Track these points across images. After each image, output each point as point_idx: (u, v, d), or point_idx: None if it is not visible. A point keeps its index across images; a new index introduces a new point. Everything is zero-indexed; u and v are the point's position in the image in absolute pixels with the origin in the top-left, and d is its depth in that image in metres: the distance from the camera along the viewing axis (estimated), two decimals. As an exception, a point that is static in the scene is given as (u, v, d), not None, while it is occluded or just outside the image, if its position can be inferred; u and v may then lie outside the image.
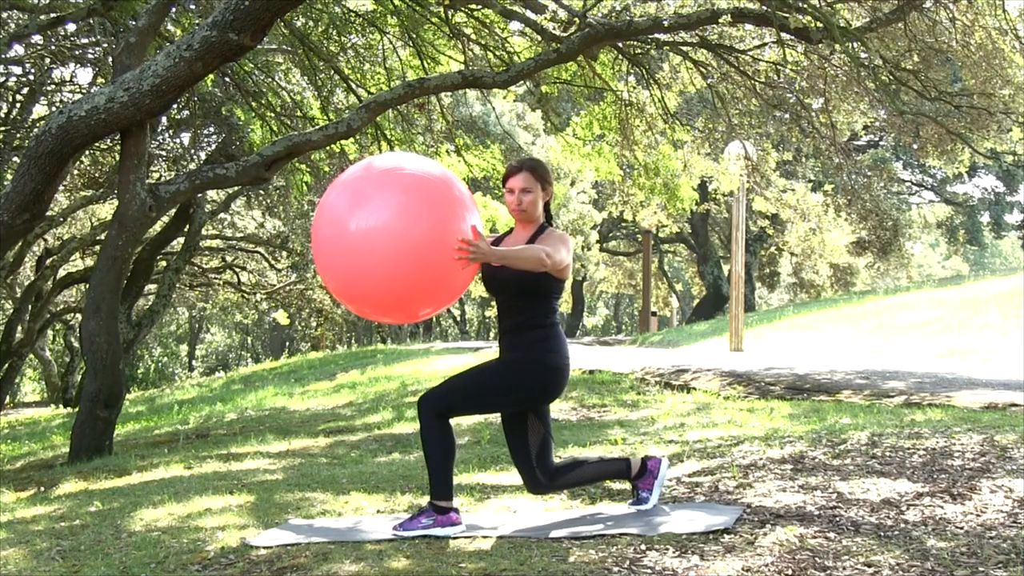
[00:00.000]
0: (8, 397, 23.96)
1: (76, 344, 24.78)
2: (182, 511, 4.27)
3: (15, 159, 13.15)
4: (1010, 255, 57.14)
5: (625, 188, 16.12)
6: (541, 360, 3.64)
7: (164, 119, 13.71)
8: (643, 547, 3.22)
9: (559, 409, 8.05)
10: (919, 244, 47.32)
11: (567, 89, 12.09)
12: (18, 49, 12.32)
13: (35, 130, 12.45)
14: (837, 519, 3.49)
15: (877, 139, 31.10)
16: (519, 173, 3.75)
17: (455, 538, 3.47)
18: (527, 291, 3.66)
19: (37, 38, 12.04)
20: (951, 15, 9.67)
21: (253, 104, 11.58)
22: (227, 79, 11.77)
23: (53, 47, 12.53)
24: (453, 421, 3.65)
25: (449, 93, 14.62)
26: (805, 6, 8.71)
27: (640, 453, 5.23)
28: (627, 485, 4.15)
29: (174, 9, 9.20)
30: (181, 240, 18.10)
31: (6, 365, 19.69)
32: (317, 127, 9.11)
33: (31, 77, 13.88)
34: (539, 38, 10.06)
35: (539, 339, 3.65)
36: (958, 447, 4.53)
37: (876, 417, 5.89)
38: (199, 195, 15.30)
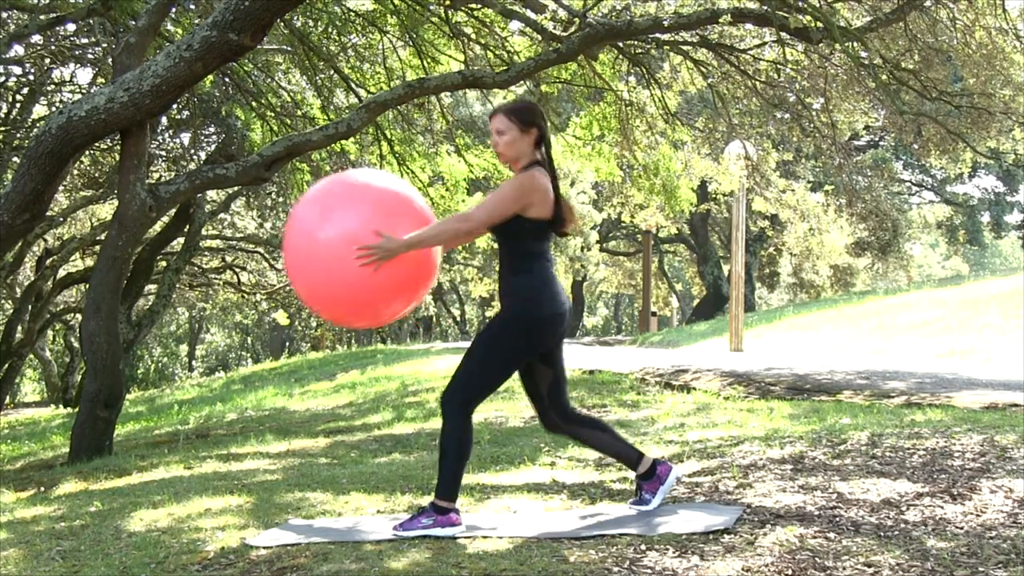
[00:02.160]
0: (8, 397, 23.96)
1: (76, 344, 24.79)
2: (182, 511, 4.27)
3: (15, 159, 13.15)
4: (1010, 255, 57.15)
5: (625, 189, 16.14)
6: (514, 312, 3.61)
7: (164, 119, 13.72)
8: (643, 547, 3.21)
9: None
10: (919, 244, 47.34)
11: (567, 89, 12.09)
12: (18, 49, 12.33)
13: (35, 130, 12.45)
14: (837, 519, 3.49)
15: (877, 139, 31.10)
16: (497, 115, 3.72)
17: (455, 538, 3.46)
18: (500, 236, 3.65)
19: (37, 38, 12.04)
20: (951, 15, 9.67)
21: (253, 104, 11.58)
22: (227, 79, 11.77)
23: (53, 47, 12.54)
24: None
25: (449, 93, 14.62)
26: (805, 6, 8.71)
27: (651, 452, 5.23)
28: (628, 485, 4.15)
29: (174, 9, 9.20)
30: (181, 240, 18.10)
31: (6, 365, 19.69)
32: (317, 127, 9.12)
33: (31, 77, 13.88)
34: (539, 38, 10.06)
35: (513, 290, 3.62)
36: (958, 447, 4.53)
37: (876, 417, 5.89)
38: (199, 195, 15.31)
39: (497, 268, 3.79)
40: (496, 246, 3.81)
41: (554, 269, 3.72)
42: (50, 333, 28.81)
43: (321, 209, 3.62)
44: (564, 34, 9.26)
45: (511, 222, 3.61)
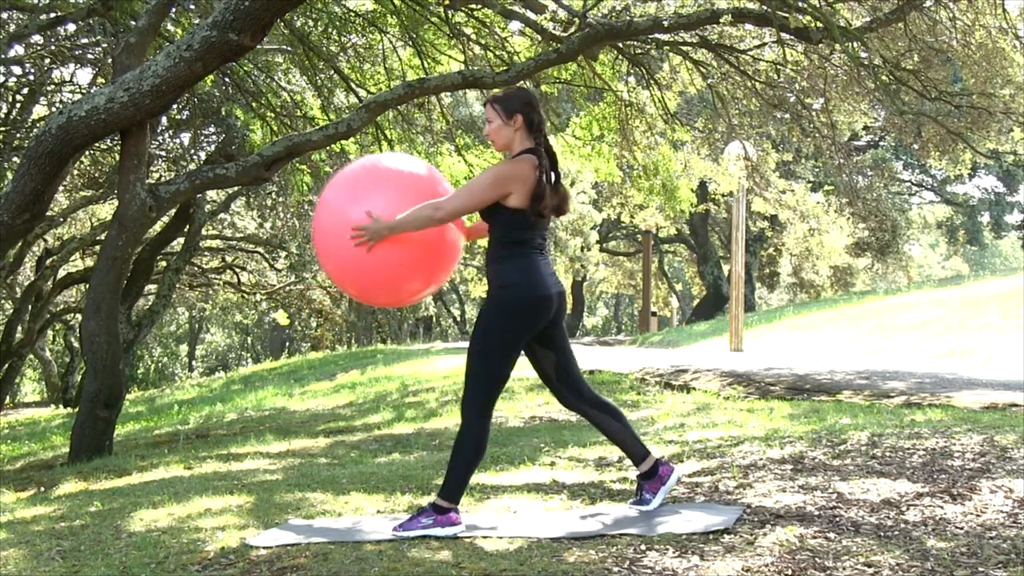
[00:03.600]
0: (8, 397, 23.96)
1: (76, 344, 24.79)
2: (182, 511, 4.27)
3: (15, 159, 13.15)
4: (1010, 255, 57.15)
5: (624, 189, 16.13)
6: (497, 298, 3.64)
7: (164, 119, 13.72)
8: (643, 547, 3.21)
9: (559, 409, 8.05)
10: (919, 245, 47.33)
11: (567, 89, 12.08)
12: (18, 49, 12.32)
13: (35, 130, 12.45)
14: (837, 519, 3.49)
15: (877, 139, 31.10)
16: (485, 105, 3.79)
17: (455, 538, 3.46)
18: (488, 224, 3.71)
19: (37, 38, 12.04)
20: (951, 15, 9.67)
21: (253, 104, 11.58)
22: (227, 79, 11.77)
23: (53, 47, 12.53)
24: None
25: (449, 93, 14.62)
26: (805, 6, 8.71)
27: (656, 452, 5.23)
28: (628, 484, 4.15)
29: (174, 9, 9.20)
30: (181, 240, 18.10)
31: (6, 365, 19.69)
32: (317, 127, 9.11)
33: (31, 77, 13.88)
34: (539, 38, 10.06)
35: (496, 276, 3.67)
36: (958, 447, 4.53)
37: (876, 417, 5.89)
38: (199, 195, 15.31)
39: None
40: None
41: (544, 256, 3.71)
42: (50, 333, 28.81)
43: (345, 192, 3.82)
44: (564, 34, 9.26)
45: (493, 211, 3.64)
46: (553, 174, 3.70)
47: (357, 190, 3.80)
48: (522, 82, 10.61)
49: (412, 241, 3.69)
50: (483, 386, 3.63)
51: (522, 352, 3.76)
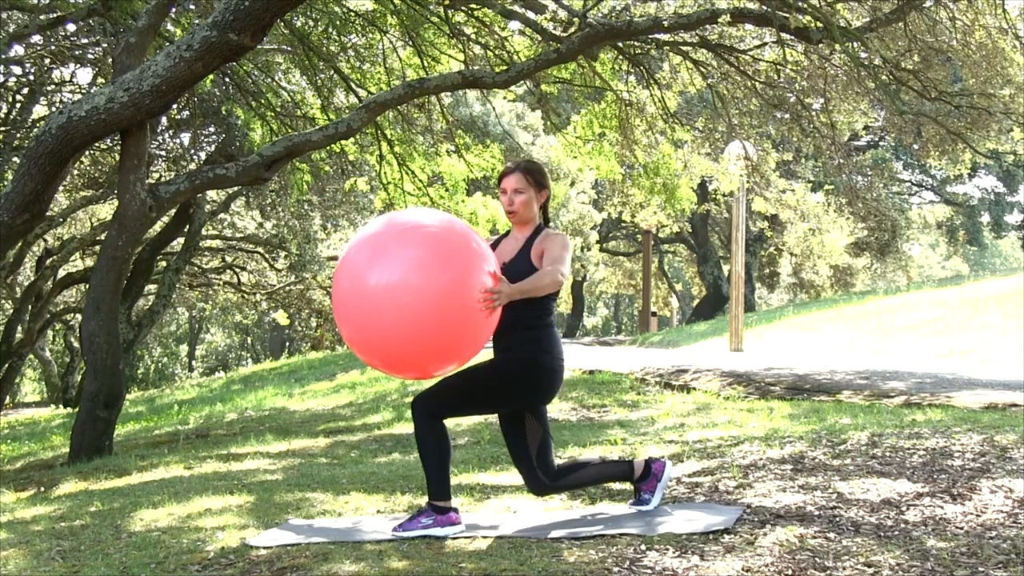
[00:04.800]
0: (8, 397, 23.95)
1: (76, 344, 24.78)
2: (182, 511, 4.27)
3: (15, 159, 13.15)
4: (1010, 255, 57.14)
5: (625, 188, 16.14)
6: (533, 361, 3.64)
7: (164, 119, 13.72)
8: (643, 547, 3.21)
9: (559, 409, 8.05)
10: (919, 245, 47.33)
11: (567, 89, 12.08)
12: (18, 49, 12.32)
13: (35, 130, 12.45)
14: (837, 519, 3.49)
15: (877, 139, 31.09)
16: (512, 174, 3.76)
17: (455, 538, 3.46)
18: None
19: (37, 38, 12.03)
20: (951, 15, 9.67)
21: (253, 104, 11.58)
22: (227, 79, 11.77)
23: (53, 47, 12.53)
24: (452, 422, 3.66)
25: (449, 93, 14.62)
26: (805, 6, 8.71)
27: (642, 455, 5.23)
28: (628, 485, 4.15)
29: (174, 9, 9.20)
30: (181, 240, 18.10)
31: (6, 365, 19.68)
32: (317, 127, 9.11)
33: (31, 77, 13.88)
34: (539, 38, 10.06)
35: (531, 340, 3.65)
36: (958, 447, 4.53)
37: (876, 417, 5.89)
38: (199, 195, 15.32)
39: (502, 320, 3.68)
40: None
41: None
42: (50, 333, 28.80)
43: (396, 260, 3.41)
44: (564, 34, 9.26)
45: None
46: None
47: (392, 255, 3.41)
48: (522, 82, 10.63)
49: (477, 324, 3.42)
50: (450, 408, 3.66)
51: (505, 423, 3.76)
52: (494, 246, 3.83)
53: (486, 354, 3.73)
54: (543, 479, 3.74)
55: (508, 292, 3.45)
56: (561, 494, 3.89)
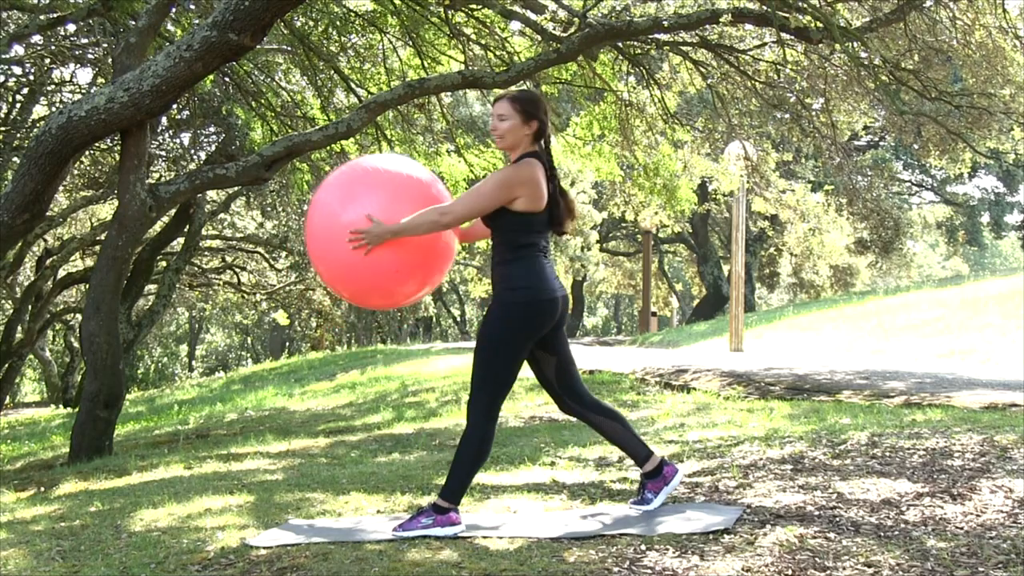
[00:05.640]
0: (8, 397, 23.95)
1: (76, 344, 24.78)
2: (182, 511, 4.27)
3: (15, 159, 13.15)
4: (1010, 255, 57.14)
5: (626, 188, 16.12)
6: (502, 301, 3.62)
7: (164, 119, 13.72)
8: (643, 547, 3.21)
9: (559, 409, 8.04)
10: (919, 244, 47.31)
11: (567, 89, 12.08)
12: (18, 49, 12.32)
13: (35, 130, 12.45)
14: (837, 519, 3.49)
15: (877, 139, 31.09)
16: (500, 100, 3.73)
17: (455, 538, 3.46)
18: (492, 228, 3.68)
19: (37, 38, 12.03)
20: (951, 14, 9.67)
21: (253, 104, 11.58)
22: (227, 79, 11.77)
23: (53, 47, 12.53)
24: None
25: (449, 93, 14.62)
26: (805, 6, 8.71)
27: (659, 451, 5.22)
28: (628, 485, 4.15)
29: (174, 9, 9.20)
30: (181, 240, 18.10)
31: (6, 365, 19.68)
32: (317, 127, 9.11)
33: (31, 77, 13.88)
34: (539, 38, 10.06)
35: (502, 277, 3.64)
36: (958, 447, 4.53)
37: (876, 417, 5.89)
38: (199, 195, 15.31)
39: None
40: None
41: (548, 259, 3.72)
42: (50, 333, 28.80)
43: (338, 194, 3.76)
44: (564, 34, 9.26)
45: (498, 214, 3.62)
46: (552, 184, 3.69)
47: (351, 191, 3.74)
48: (522, 82, 10.62)
49: (407, 244, 3.65)
50: (489, 388, 3.62)
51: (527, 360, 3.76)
52: None
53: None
54: (569, 403, 3.81)
55: (379, 232, 3.57)
56: (586, 422, 3.87)
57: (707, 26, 9.72)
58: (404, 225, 3.59)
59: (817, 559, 3.02)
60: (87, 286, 10.75)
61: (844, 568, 2.93)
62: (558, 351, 3.77)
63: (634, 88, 11.68)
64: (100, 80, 12.85)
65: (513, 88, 4.12)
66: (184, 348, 47.31)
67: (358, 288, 3.81)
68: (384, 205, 3.66)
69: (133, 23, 8.12)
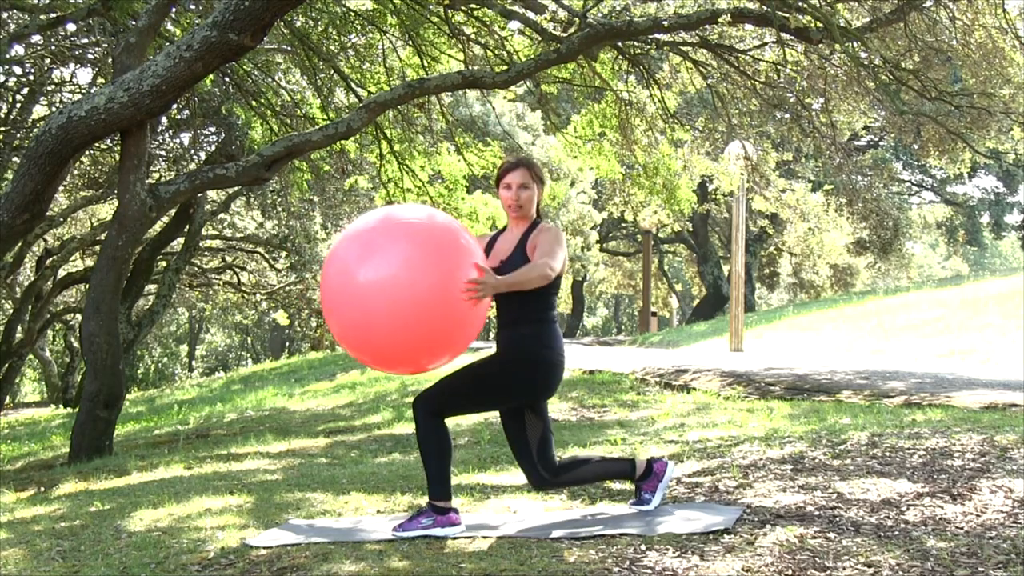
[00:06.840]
0: (8, 397, 23.95)
1: (76, 344, 24.78)
2: (182, 511, 4.27)
3: (15, 159, 13.15)
4: (1010, 255, 57.13)
5: (626, 188, 16.12)
6: (534, 356, 3.63)
7: (164, 119, 13.73)
8: (643, 547, 3.21)
9: (559, 409, 8.05)
10: (919, 244, 47.32)
11: (567, 89, 12.07)
12: (18, 49, 12.32)
13: (35, 130, 12.45)
14: (837, 519, 3.49)
15: (877, 139, 31.09)
16: (517, 169, 3.75)
17: (455, 538, 3.46)
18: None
19: (37, 38, 12.04)
20: (951, 15, 9.67)
21: (253, 104, 11.58)
22: (227, 79, 11.77)
23: (53, 47, 12.53)
24: (452, 421, 3.66)
25: (449, 93, 14.61)
26: (805, 6, 8.71)
27: (643, 454, 5.23)
28: (628, 485, 4.15)
29: (174, 9, 9.20)
30: (181, 240, 18.10)
31: (6, 365, 19.69)
32: (317, 127, 9.11)
33: (31, 77, 13.88)
34: (539, 38, 10.06)
35: (532, 335, 3.64)
36: (958, 447, 4.53)
37: (876, 417, 5.89)
38: (199, 195, 15.31)
39: (497, 318, 3.74)
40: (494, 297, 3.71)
41: None
42: (50, 333, 28.79)
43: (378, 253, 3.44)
44: (564, 34, 9.26)
45: None
46: None
47: (380, 248, 3.44)
48: (522, 82, 10.63)
49: (452, 314, 3.43)
50: (453, 406, 3.67)
51: (506, 419, 3.75)
52: (491, 242, 3.83)
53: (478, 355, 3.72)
54: (544, 475, 3.73)
55: (493, 284, 3.45)
56: (562, 491, 3.88)
57: (707, 26, 9.72)
58: (515, 279, 3.52)
59: (817, 559, 3.02)
60: (87, 286, 10.76)
61: (844, 568, 2.93)
62: (545, 418, 3.77)
63: (634, 88, 11.68)
64: (100, 80, 12.86)
65: (516, 155, 4.10)
66: (184, 348, 47.30)
67: (396, 353, 3.49)
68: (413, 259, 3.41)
69: (133, 23, 8.12)
